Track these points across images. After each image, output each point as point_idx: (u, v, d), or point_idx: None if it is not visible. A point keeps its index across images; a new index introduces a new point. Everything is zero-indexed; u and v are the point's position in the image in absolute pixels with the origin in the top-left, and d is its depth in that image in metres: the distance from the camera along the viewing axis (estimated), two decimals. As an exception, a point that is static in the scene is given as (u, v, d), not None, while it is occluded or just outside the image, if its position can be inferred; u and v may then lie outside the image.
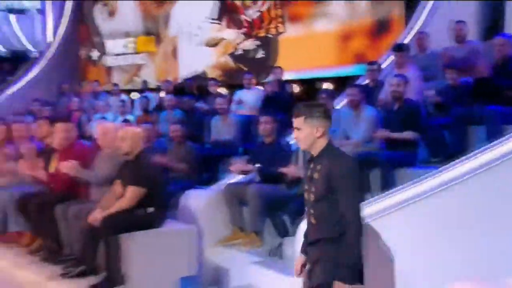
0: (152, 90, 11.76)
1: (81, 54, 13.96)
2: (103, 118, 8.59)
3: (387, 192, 3.51)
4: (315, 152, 2.94)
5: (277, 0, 11.07)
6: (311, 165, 2.95)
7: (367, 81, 7.09)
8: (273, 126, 5.48)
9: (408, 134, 5.20)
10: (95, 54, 13.75)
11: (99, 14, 13.58)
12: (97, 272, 4.66)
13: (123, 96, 11.08)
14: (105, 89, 12.13)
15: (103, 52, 13.60)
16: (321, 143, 2.93)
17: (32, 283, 5.10)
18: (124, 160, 4.82)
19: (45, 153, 6.23)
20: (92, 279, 4.54)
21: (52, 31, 13.97)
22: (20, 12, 15.00)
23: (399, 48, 6.67)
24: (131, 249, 4.45)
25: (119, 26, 13.32)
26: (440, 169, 3.49)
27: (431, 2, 7.94)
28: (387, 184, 4.71)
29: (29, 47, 14.98)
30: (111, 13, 13.41)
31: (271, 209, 5.02)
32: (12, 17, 15.07)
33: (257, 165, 5.34)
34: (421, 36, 7.28)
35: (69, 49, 13.81)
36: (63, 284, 4.73)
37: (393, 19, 9.69)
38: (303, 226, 3.32)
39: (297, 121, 2.90)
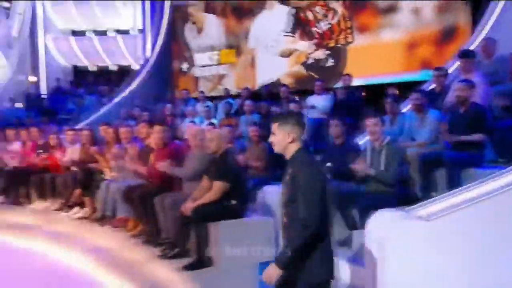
0: (233, 96, 11.94)
1: (173, 67, 14.37)
2: (192, 121, 8.79)
3: (452, 191, 3.40)
4: (288, 155, 2.93)
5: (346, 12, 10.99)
6: (287, 168, 2.94)
7: (433, 86, 6.83)
8: (343, 129, 5.47)
9: (476, 137, 5.03)
10: (185, 66, 14.09)
11: (189, 32, 13.94)
12: (188, 255, 4.86)
13: (208, 102, 11.32)
14: (193, 96, 12.46)
15: (192, 64, 13.95)
16: (293, 148, 2.91)
17: (135, 261, 5.24)
18: (211, 158, 4.99)
19: (145, 151, 6.48)
20: (185, 261, 4.73)
21: (150, 48, 14.57)
22: (125, 33, 15.67)
23: (465, 55, 6.31)
24: (217, 235, 4.61)
25: (205, 42, 13.64)
26: (508, 169, 3.35)
27: (498, 9, 7.62)
28: (453, 183, 4.56)
29: (132, 62, 15.58)
30: (199, 31, 13.75)
31: (341, 203, 4.98)
32: (119, 38, 15.74)
33: (328, 164, 5.38)
34: (487, 42, 6.87)
35: (164, 63, 14.27)
36: (161, 264, 4.93)
37: (459, 26, 9.45)
38: (371, 220, 3.38)
39: (273, 127, 2.93)
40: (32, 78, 15.29)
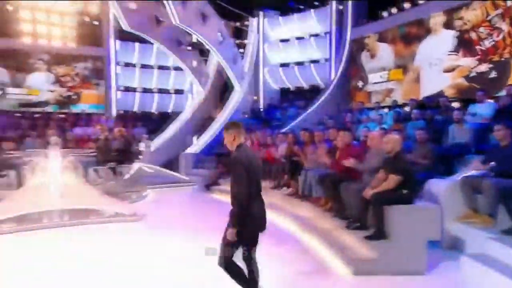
0: (400, 106, 11.32)
1: (351, 85, 14.13)
2: (366, 127, 8.57)
3: None
4: (232, 150, 3.26)
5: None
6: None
7: None
8: (507, 132, 4.81)
9: None
10: (360, 83, 13.78)
11: (364, 57, 13.56)
12: (367, 228, 4.74)
13: (380, 111, 10.91)
14: (367, 106, 12.13)
15: (365, 82, 13.57)
16: (235, 144, 3.24)
17: (327, 229, 5.38)
18: (387, 156, 4.81)
19: (332, 150, 6.49)
20: (365, 233, 4.64)
21: (334, 72, 14.61)
22: (316, 62, 15.98)
23: None
24: (392, 217, 4.40)
25: (377, 64, 13.08)
26: None
27: None
28: None
29: (320, 83, 15.79)
30: (372, 56, 13.29)
31: (505, 197, 4.46)
32: (312, 66, 16.10)
33: (492, 163, 4.80)
34: None
35: (344, 82, 14.11)
36: (347, 233, 4.94)
37: None
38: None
39: (224, 132, 3.33)
40: (255, 97, 16.57)
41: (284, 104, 15.50)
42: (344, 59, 14.15)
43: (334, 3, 14.61)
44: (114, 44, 16.21)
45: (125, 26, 13.05)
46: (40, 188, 7.17)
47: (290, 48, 16.36)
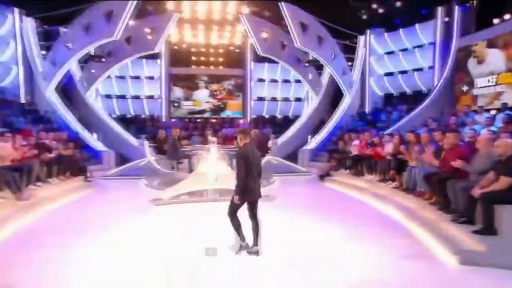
0: (510, 109, 9.45)
1: (455, 89, 12.31)
2: (472, 129, 7.42)
3: None
4: (241, 146, 4.10)
5: None
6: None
7: None
8: None
9: None
10: (465, 88, 11.89)
11: (471, 63, 11.63)
12: (474, 223, 4.18)
13: (487, 114, 9.31)
14: (472, 109, 10.46)
15: (471, 86, 11.67)
16: (242, 143, 4.06)
17: (432, 220, 4.89)
18: (498, 159, 4.15)
19: (438, 150, 5.79)
20: (472, 227, 4.08)
21: (437, 78, 12.93)
22: (419, 70, 14.35)
23: None
24: (502, 215, 3.80)
25: (486, 69, 11.07)
26: None
27: None
28: None
29: (423, 88, 14.19)
30: (479, 62, 11.33)
31: None
32: (416, 73, 14.47)
33: None
34: None
35: (448, 87, 12.37)
36: (453, 226, 4.42)
37: None
38: None
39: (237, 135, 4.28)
40: (359, 102, 15.76)
41: (388, 108, 14.33)
42: (449, 66, 12.43)
43: (440, 17, 12.92)
44: (249, 65, 17.27)
45: (260, 52, 13.78)
46: (203, 173, 7.59)
47: (394, 59, 15.06)
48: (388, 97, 15.69)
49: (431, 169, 5.68)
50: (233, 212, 3.95)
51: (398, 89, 15.21)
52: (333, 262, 3.97)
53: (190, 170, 9.06)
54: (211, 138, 9.43)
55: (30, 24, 13.06)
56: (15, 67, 12.96)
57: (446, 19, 12.77)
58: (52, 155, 7.95)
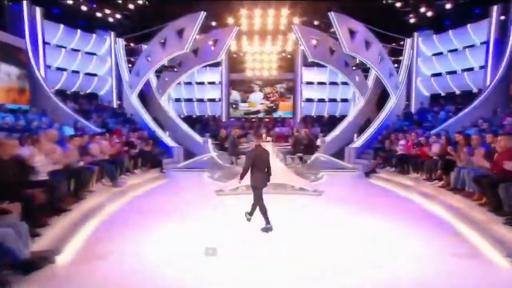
0: None
1: (510, 90, 11.00)
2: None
3: None
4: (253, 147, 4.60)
5: None
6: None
7: None
8: None
9: None
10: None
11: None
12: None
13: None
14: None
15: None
16: (254, 145, 4.59)
17: (482, 220, 4.55)
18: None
19: (490, 152, 5.31)
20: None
21: (489, 77, 11.66)
22: (468, 70, 13.00)
23: None
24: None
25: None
26: None
27: None
28: None
29: (473, 88, 12.89)
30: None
31: None
32: (464, 73, 13.18)
33: None
34: None
35: (502, 86, 11.06)
36: (505, 228, 4.11)
37: None
38: None
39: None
40: (405, 103, 14.80)
41: (435, 108, 13.29)
42: (504, 64, 11.11)
43: (495, 16, 11.58)
44: (300, 70, 17.19)
45: (310, 58, 13.67)
46: None
47: (443, 60, 13.86)
48: (435, 98, 14.53)
49: (482, 171, 5.27)
50: (258, 199, 4.56)
51: (445, 89, 14.01)
52: (382, 259, 3.79)
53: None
54: (265, 136, 9.65)
55: (121, 43, 14.53)
56: (110, 79, 14.58)
57: (502, 17, 11.42)
58: (137, 150, 8.80)
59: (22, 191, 3.66)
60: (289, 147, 9.70)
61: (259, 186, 4.60)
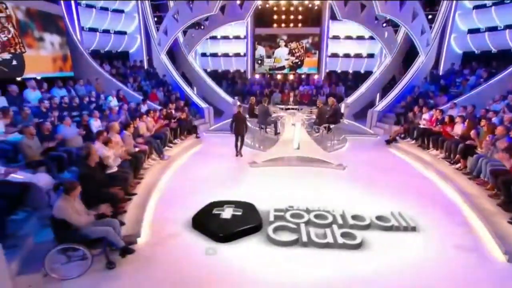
0: None
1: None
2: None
3: None
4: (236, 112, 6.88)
5: None
6: None
7: None
8: None
9: None
10: None
11: None
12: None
13: None
14: None
15: None
16: (235, 111, 6.70)
17: (488, 213, 4.77)
18: None
19: None
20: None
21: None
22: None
23: None
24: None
25: None
26: None
27: None
28: None
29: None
30: None
31: None
32: (506, 31, 11.35)
33: None
34: None
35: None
36: (508, 225, 4.35)
37: None
38: None
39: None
40: (433, 62, 13.59)
41: (465, 71, 12.24)
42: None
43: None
44: (327, 24, 15.93)
45: (339, 16, 12.58)
46: (286, 142, 7.72)
47: (485, 13, 12.29)
48: (467, 58, 13.31)
49: (500, 165, 5.37)
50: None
51: (481, 47, 12.70)
52: (391, 243, 4.12)
53: (276, 132, 9.73)
54: (291, 100, 9.93)
55: (147, -1, 13.81)
56: (139, 36, 14.28)
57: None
58: (175, 121, 9.09)
59: (109, 192, 4.34)
60: (314, 118, 9.72)
61: (239, 133, 7.87)
